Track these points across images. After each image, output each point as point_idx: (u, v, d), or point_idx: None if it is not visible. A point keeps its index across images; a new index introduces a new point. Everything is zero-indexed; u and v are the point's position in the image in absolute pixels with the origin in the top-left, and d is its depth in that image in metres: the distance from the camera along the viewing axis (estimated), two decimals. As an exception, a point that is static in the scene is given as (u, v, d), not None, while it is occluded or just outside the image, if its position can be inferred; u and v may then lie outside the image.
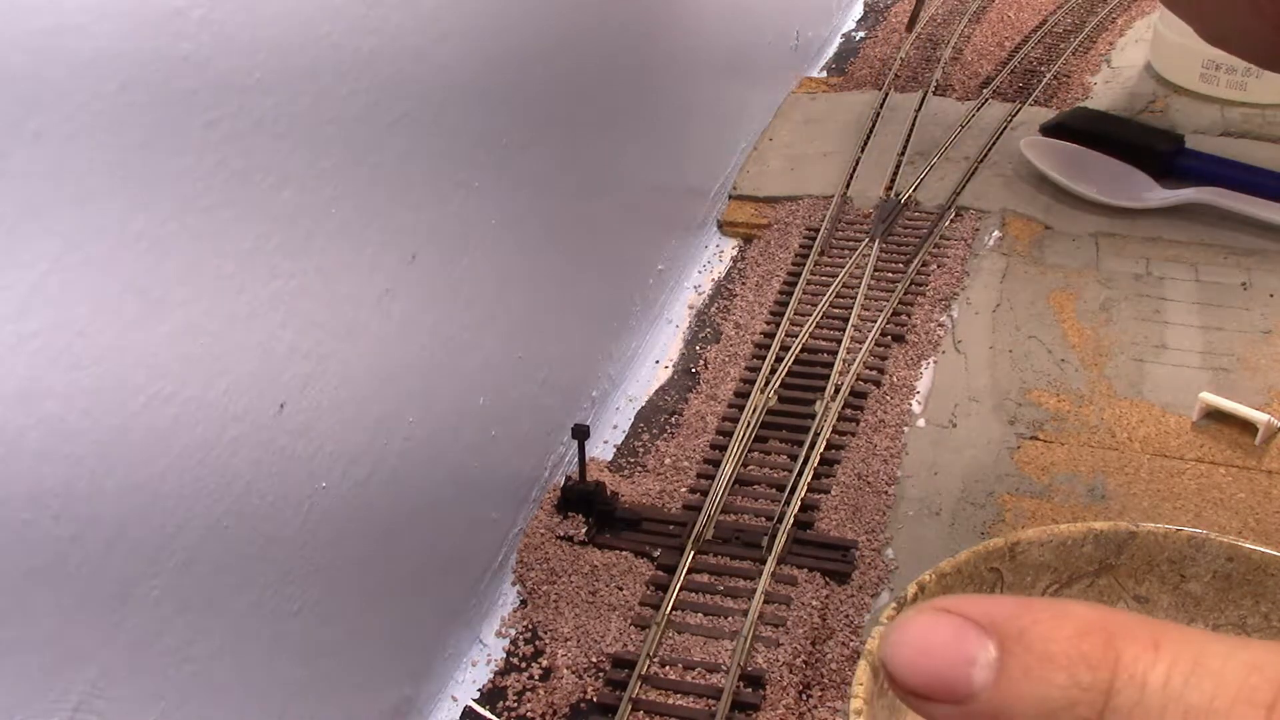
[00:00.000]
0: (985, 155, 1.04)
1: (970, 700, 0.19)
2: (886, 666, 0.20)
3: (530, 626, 0.66)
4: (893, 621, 0.20)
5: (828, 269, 0.93)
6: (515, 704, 0.62)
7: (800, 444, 0.75)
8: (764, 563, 0.67)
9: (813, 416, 0.78)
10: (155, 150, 0.38)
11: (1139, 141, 1.00)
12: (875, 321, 0.86)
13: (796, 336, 0.84)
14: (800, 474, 0.73)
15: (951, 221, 0.96)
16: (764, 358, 0.83)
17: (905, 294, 0.89)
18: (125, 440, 0.39)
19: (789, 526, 0.70)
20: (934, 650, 0.20)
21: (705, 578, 0.68)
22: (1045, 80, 1.16)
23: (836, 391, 0.79)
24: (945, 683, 0.19)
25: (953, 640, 0.19)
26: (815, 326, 0.86)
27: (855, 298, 0.88)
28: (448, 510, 0.63)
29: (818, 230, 0.96)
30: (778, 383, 0.81)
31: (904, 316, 0.87)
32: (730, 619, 0.65)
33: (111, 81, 0.36)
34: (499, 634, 0.67)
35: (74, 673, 0.39)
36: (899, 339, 0.85)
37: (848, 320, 0.86)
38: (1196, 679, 0.18)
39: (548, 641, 0.65)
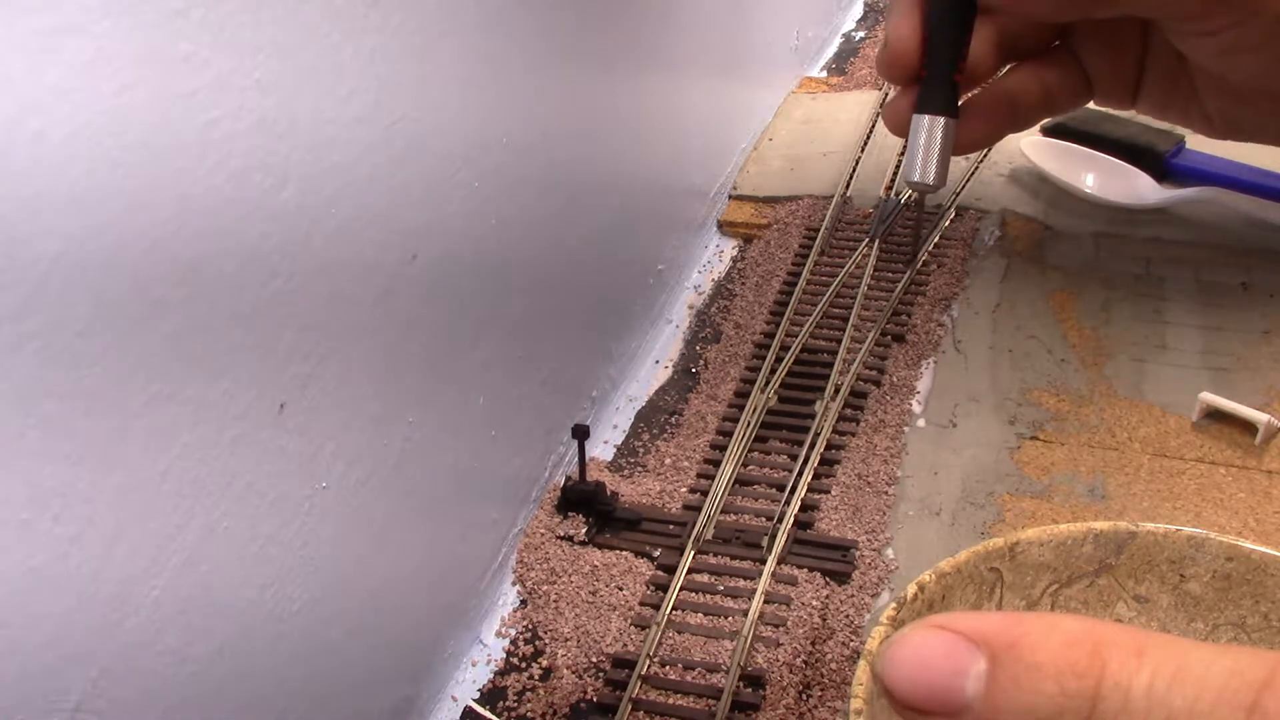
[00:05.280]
0: (985, 155, 1.04)
1: (964, 711, 0.20)
2: (883, 682, 0.21)
3: (530, 626, 0.66)
4: (888, 639, 0.21)
5: (828, 269, 0.93)
6: (515, 704, 0.62)
7: (800, 444, 0.75)
8: (764, 563, 0.67)
9: (813, 416, 0.78)
10: (155, 150, 0.38)
11: (1139, 141, 1.00)
12: (875, 321, 0.86)
13: (796, 336, 0.84)
14: (800, 474, 0.73)
15: (951, 221, 0.96)
16: (764, 358, 0.83)
17: (905, 294, 0.89)
18: (125, 440, 0.39)
19: (789, 526, 0.70)
20: (928, 665, 0.20)
21: (705, 578, 0.68)
22: (1045, 80, 1.16)
23: (836, 391, 0.79)
24: (939, 695, 0.20)
25: (945, 654, 0.20)
26: (815, 326, 0.86)
27: (855, 298, 0.88)
28: (448, 510, 0.63)
29: (818, 230, 0.96)
30: (778, 383, 0.81)
31: (904, 316, 0.87)
32: (730, 619, 0.65)
33: (111, 81, 0.36)
34: (499, 634, 0.67)
35: (74, 673, 0.39)
36: (899, 339, 0.85)
37: (848, 320, 0.86)
38: (1179, 684, 0.18)
39: (548, 641, 0.65)
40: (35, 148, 0.34)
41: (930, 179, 0.34)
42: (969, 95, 0.36)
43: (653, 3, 0.83)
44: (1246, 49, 0.32)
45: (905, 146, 0.35)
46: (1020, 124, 0.37)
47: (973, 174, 1.02)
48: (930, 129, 0.34)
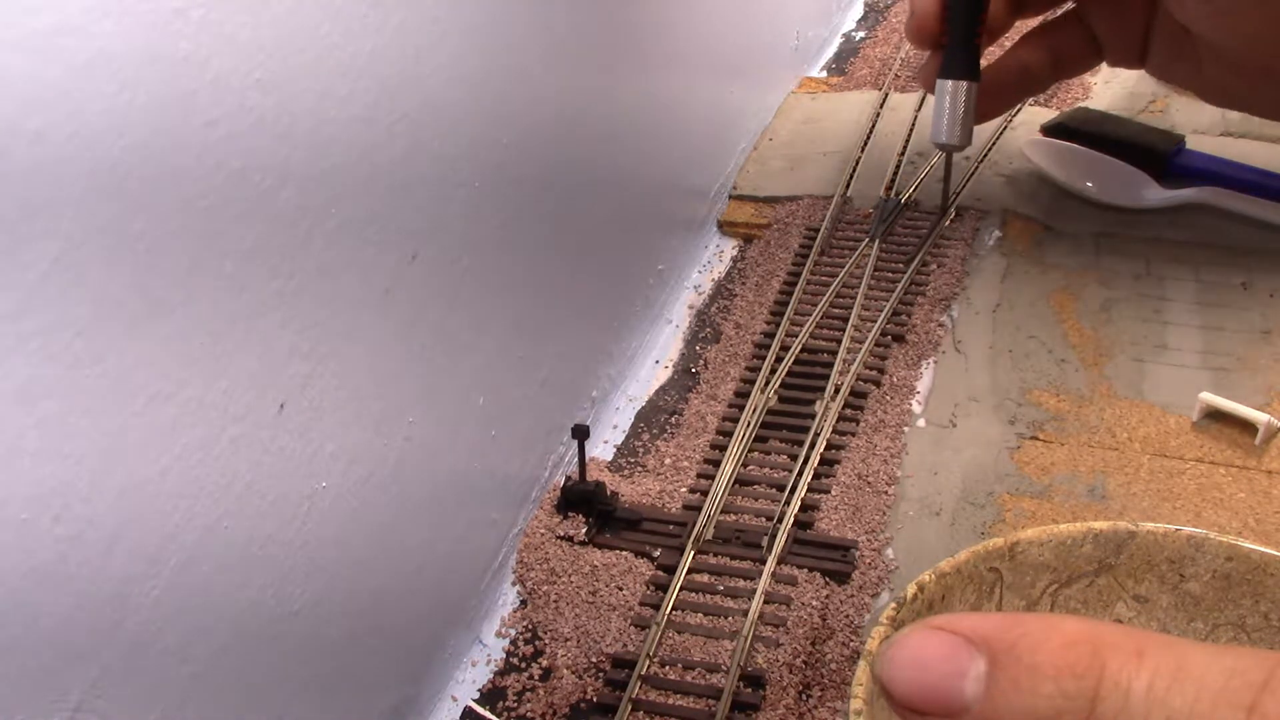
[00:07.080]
0: (985, 155, 1.04)
1: (963, 712, 0.20)
2: (883, 683, 0.21)
3: (530, 626, 0.66)
4: (888, 640, 0.21)
5: (828, 269, 0.93)
6: (515, 704, 0.62)
7: (800, 444, 0.75)
8: (764, 563, 0.67)
9: (813, 416, 0.78)
10: (155, 150, 0.38)
11: (1139, 141, 1.00)
12: (875, 321, 0.86)
13: (796, 336, 0.84)
14: (800, 474, 0.73)
15: (951, 221, 0.96)
16: (764, 358, 0.83)
17: (905, 294, 0.89)
18: (125, 440, 0.39)
19: (789, 526, 0.70)
20: (928, 666, 0.20)
21: (705, 578, 0.68)
22: (1045, 80, 1.16)
23: (836, 391, 0.79)
24: (939, 696, 0.20)
25: (945, 656, 0.20)
26: (815, 326, 0.86)
27: (855, 298, 0.88)
28: (448, 510, 0.63)
29: (818, 230, 0.96)
30: (778, 383, 0.81)
31: (904, 316, 0.87)
32: (730, 619, 0.65)
33: (112, 81, 0.36)
34: (499, 634, 0.67)
35: (74, 673, 0.39)
36: (899, 339, 0.85)
37: (848, 320, 0.86)
38: (1179, 685, 0.18)
39: (548, 641, 0.65)
40: (35, 148, 0.34)
41: (955, 140, 0.37)
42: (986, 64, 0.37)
43: (653, 3, 0.83)
44: (1239, 10, 0.33)
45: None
46: (1034, 88, 0.39)
47: (973, 174, 1.02)
48: (954, 93, 0.37)
